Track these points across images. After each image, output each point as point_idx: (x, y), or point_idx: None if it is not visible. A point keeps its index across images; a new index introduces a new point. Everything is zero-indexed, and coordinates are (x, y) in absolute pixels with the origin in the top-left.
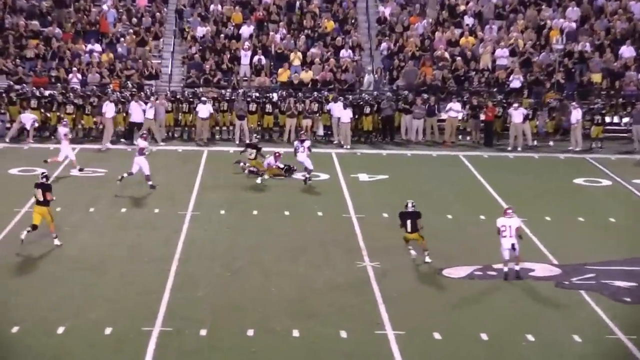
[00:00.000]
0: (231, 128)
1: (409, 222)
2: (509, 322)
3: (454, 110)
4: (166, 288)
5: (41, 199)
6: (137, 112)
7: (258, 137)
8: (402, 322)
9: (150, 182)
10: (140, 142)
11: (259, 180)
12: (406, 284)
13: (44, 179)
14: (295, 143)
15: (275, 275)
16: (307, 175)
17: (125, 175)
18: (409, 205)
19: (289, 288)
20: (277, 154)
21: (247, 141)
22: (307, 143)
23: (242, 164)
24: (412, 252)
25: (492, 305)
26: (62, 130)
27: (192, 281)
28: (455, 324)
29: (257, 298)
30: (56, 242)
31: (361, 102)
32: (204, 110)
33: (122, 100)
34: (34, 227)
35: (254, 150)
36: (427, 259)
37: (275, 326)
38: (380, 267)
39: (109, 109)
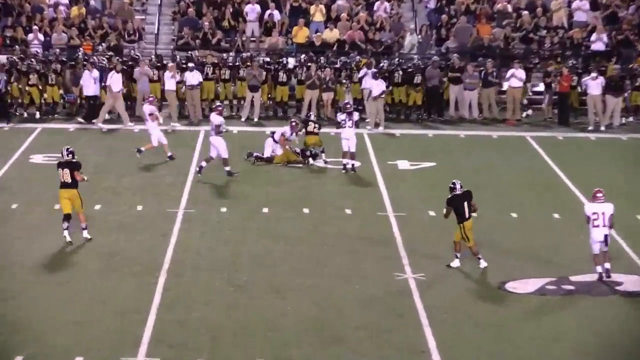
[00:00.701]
0: (235, 102)
1: (465, 205)
2: (590, 349)
3: (517, 79)
4: (152, 307)
5: (69, 180)
6: (90, 83)
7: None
8: (454, 350)
9: (228, 168)
10: (215, 118)
11: (321, 162)
12: (459, 302)
13: (70, 155)
14: (341, 116)
15: (290, 290)
16: (352, 162)
17: (203, 164)
18: (457, 185)
19: (309, 307)
20: (293, 123)
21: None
22: (356, 116)
23: (254, 155)
24: (482, 262)
25: (568, 328)
26: (147, 108)
27: (185, 298)
28: (521, 352)
29: (268, 319)
30: (85, 234)
31: (410, 69)
32: (192, 77)
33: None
34: (67, 216)
35: (317, 125)
36: (484, 265)
37: (292, 355)
38: (425, 280)
39: (114, 81)
